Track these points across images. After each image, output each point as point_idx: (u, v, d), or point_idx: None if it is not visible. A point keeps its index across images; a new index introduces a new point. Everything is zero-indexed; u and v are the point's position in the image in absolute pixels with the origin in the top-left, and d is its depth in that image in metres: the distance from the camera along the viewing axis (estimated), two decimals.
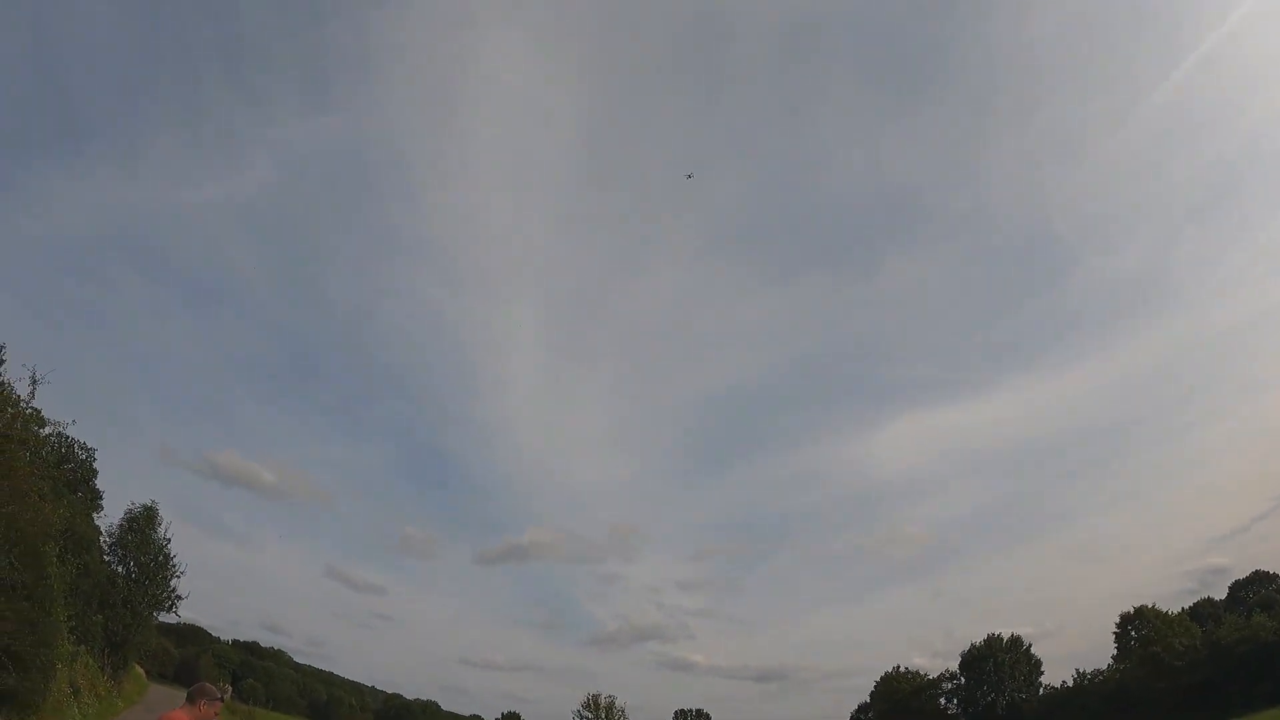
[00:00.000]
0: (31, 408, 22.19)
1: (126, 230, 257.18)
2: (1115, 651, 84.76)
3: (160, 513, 53.80)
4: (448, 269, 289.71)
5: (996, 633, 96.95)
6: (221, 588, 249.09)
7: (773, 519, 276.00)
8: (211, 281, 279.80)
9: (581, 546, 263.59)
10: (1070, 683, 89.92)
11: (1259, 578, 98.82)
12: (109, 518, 52.14)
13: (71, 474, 46.42)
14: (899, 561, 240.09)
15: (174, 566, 53.58)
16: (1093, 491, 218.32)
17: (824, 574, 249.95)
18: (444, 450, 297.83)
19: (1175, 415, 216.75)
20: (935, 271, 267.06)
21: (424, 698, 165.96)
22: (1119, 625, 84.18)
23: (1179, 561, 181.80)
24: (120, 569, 50.80)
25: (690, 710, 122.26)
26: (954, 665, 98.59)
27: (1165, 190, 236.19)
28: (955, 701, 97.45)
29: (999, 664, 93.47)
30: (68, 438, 46.59)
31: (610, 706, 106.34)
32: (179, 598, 54.47)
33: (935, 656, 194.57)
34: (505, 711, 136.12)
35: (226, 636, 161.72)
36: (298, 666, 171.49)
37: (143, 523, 52.46)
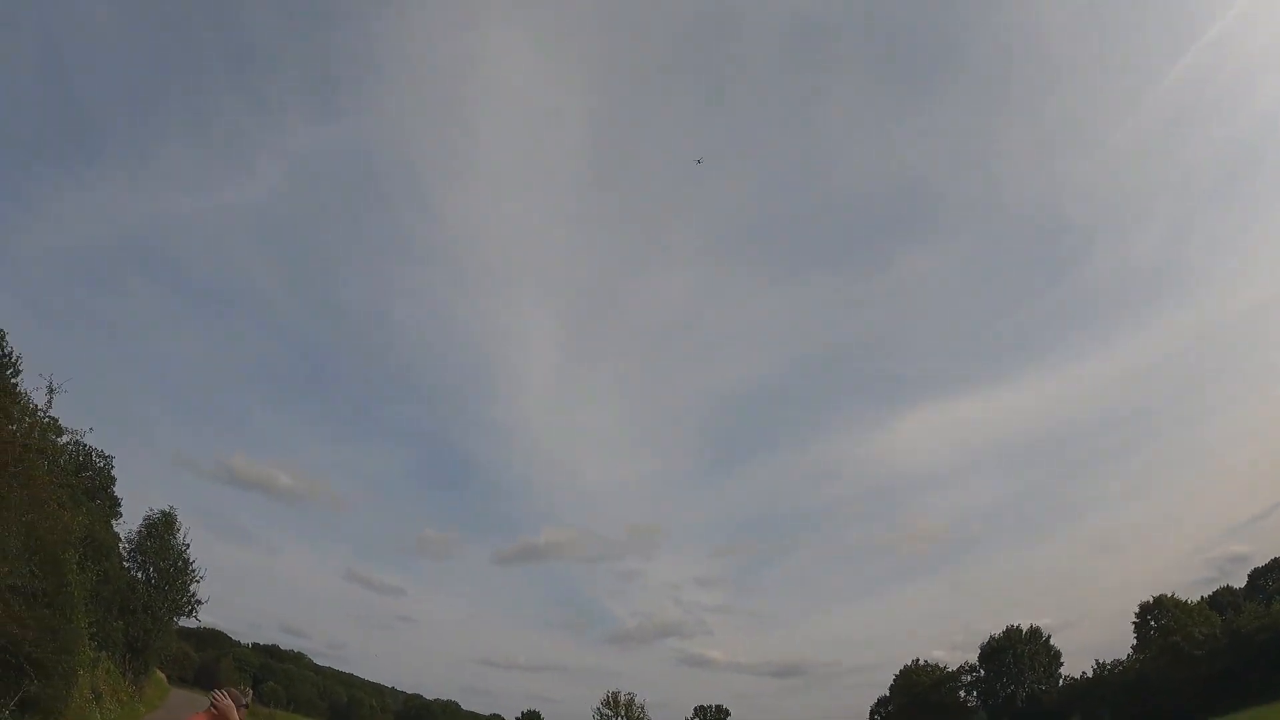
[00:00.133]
0: (49, 417, 22.37)
1: (138, 238, 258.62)
2: (1135, 641, 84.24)
3: (178, 518, 54.28)
4: (458, 270, 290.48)
5: (1015, 624, 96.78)
6: (241, 591, 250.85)
7: (790, 514, 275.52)
8: (224, 287, 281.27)
9: (599, 545, 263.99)
10: (1090, 673, 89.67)
11: (1279, 565, 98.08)
12: (128, 524, 52.68)
13: (90, 481, 46.81)
14: (917, 555, 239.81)
15: (193, 571, 54.03)
16: (1110, 481, 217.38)
17: (842, 568, 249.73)
18: (459, 451, 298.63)
19: (1193, 402, 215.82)
20: (949, 263, 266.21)
21: (444, 698, 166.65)
22: (1138, 615, 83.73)
23: (1198, 550, 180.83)
24: (140, 575, 51.24)
25: (710, 706, 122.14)
26: (973, 658, 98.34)
27: (1179, 175, 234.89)
28: (975, 694, 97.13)
29: (1018, 656, 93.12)
30: (85, 446, 47.08)
31: (630, 704, 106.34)
32: (198, 602, 54.97)
33: (954, 649, 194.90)
34: (525, 710, 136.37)
35: (247, 640, 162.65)
36: (318, 669, 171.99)
37: (161, 528, 52.86)
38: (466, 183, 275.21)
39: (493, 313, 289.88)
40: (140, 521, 53.28)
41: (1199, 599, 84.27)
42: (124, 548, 50.56)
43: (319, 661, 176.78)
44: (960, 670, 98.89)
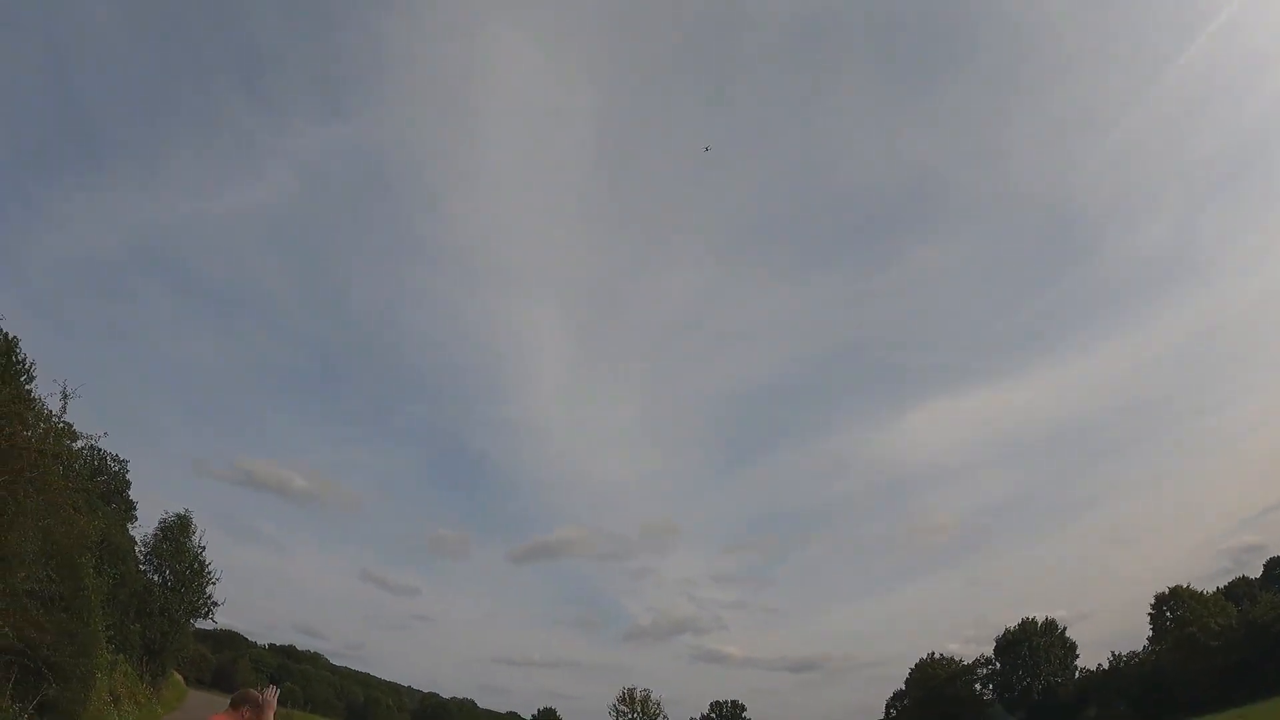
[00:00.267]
0: (63, 422, 22.55)
1: (149, 243, 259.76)
2: (1151, 633, 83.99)
3: (194, 521, 54.59)
4: (468, 270, 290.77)
5: (1031, 617, 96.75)
6: (257, 593, 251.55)
7: (803, 510, 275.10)
8: (235, 291, 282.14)
9: (612, 542, 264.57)
10: (1106, 665, 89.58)
11: None
12: (143, 528, 53.02)
13: (105, 486, 47.27)
14: (931, 548, 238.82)
15: (209, 573, 54.28)
16: (1123, 472, 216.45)
17: (856, 563, 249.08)
18: (472, 451, 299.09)
19: (1205, 392, 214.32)
20: (957, 256, 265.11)
21: (460, 696, 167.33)
22: (1154, 606, 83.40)
23: (1213, 540, 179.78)
24: (156, 577, 51.55)
25: (726, 702, 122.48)
26: (989, 651, 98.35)
27: (1188, 164, 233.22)
28: (991, 687, 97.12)
29: (1034, 648, 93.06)
30: (100, 450, 47.52)
31: (646, 700, 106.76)
32: (215, 604, 55.20)
33: (969, 642, 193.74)
34: (541, 708, 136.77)
35: (263, 641, 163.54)
36: (334, 669, 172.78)
37: (177, 531, 53.17)
38: (474, 183, 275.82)
39: (502, 312, 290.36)
40: (156, 525, 53.69)
41: (1215, 590, 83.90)
42: (140, 551, 50.88)
43: (335, 661, 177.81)
44: (976, 663, 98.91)
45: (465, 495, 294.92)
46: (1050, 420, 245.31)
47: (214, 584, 54.66)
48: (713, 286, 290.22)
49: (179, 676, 72.25)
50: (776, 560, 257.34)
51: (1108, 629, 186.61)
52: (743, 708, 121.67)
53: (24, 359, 27.10)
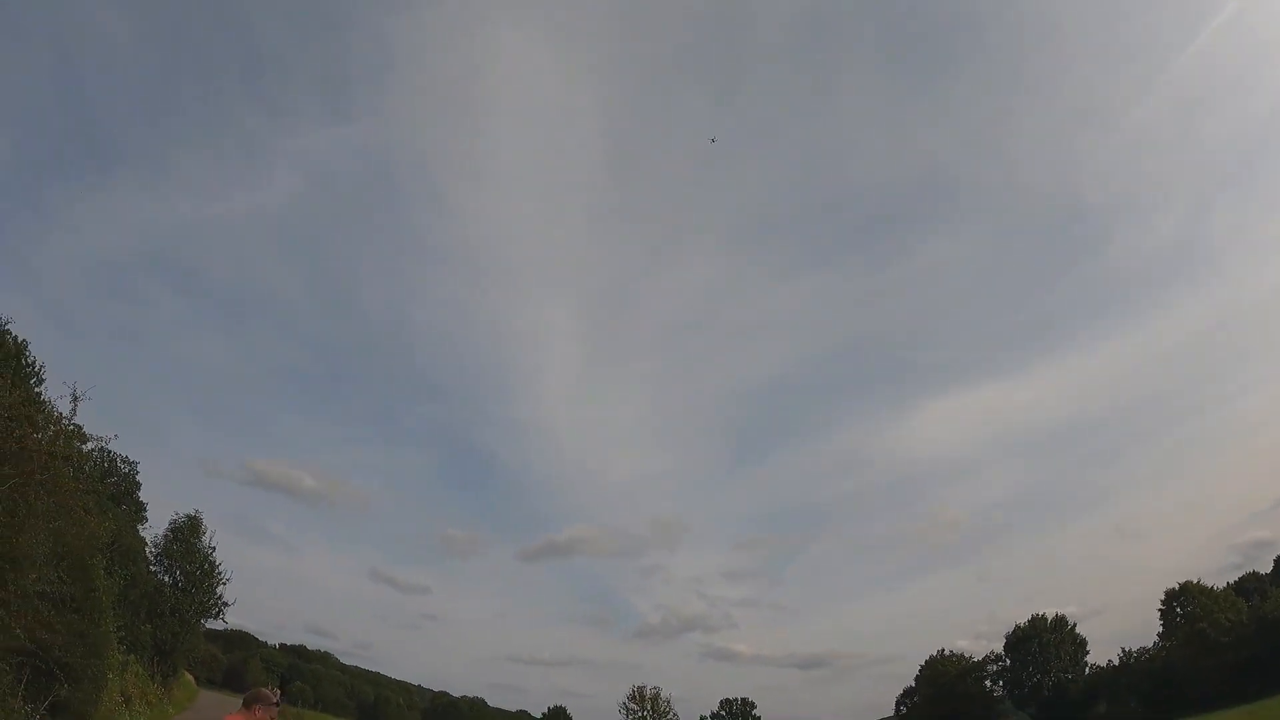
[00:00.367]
0: (74, 424, 22.70)
1: (157, 246, 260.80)
2: (1161, 629, 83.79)
3: (204, 521, 54.76)
4: (476, 270, 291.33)
5: (1041, 613, 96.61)
6: (267, 593, 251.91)
7: (813, 506, 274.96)
8: (243, 293, 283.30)
9: (622, 540, 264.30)
10: (1116, 662, 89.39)
11: None
12: (154, 529, 53.17)
13: (115, 487, 47.37)
14: (940, 545, 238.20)
15: (219, 574, 54.40)
16: (1133, 467, 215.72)
17: (866, 559, 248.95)
18: (482, 450, 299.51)
19: (1214, 386, 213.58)
20: (966, 250, 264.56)
21: (471, 695, 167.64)
22: (1164, 602, 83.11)
23: (1223, 535, 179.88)
24: (166, 578, 51.72)
25: (735, 699, 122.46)
26: (999, 647, 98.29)
27: (1197, 156, 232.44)
28: (1001, 683, 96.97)
29: (1044, 645, 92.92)
30: (110, 452, 47.59)
31: (656, 698, 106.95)
32: (225, 604, 55.31)
33: (979, 639, 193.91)
34: (551, 706, 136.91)
35: (274, 641, 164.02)
36: (345, 668, 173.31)
37: (187, 532, 53.32)
38: (482, 182, 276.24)
39: (511, 311, 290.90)
40: (166, 526, 53.84)
41: (1225, 585, 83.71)
42: (150, 552, 51.08)
43: (346, 661, 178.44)
44: (986, 660, 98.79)
45: (475, 494, 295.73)
46: (1060, 415, 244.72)
47: (224, 584, 54.83)
48: (720, 284, 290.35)
49: (190, 676, 72.42)
50: (786, 557, 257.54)
51: (1118, 625, 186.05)
52: (752, 705, 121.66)
53: (33, 361, 27.33)
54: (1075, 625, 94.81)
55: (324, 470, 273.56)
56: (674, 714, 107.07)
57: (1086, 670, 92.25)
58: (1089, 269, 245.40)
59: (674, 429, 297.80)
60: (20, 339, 26.83)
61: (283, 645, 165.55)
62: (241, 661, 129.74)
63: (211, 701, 62.43)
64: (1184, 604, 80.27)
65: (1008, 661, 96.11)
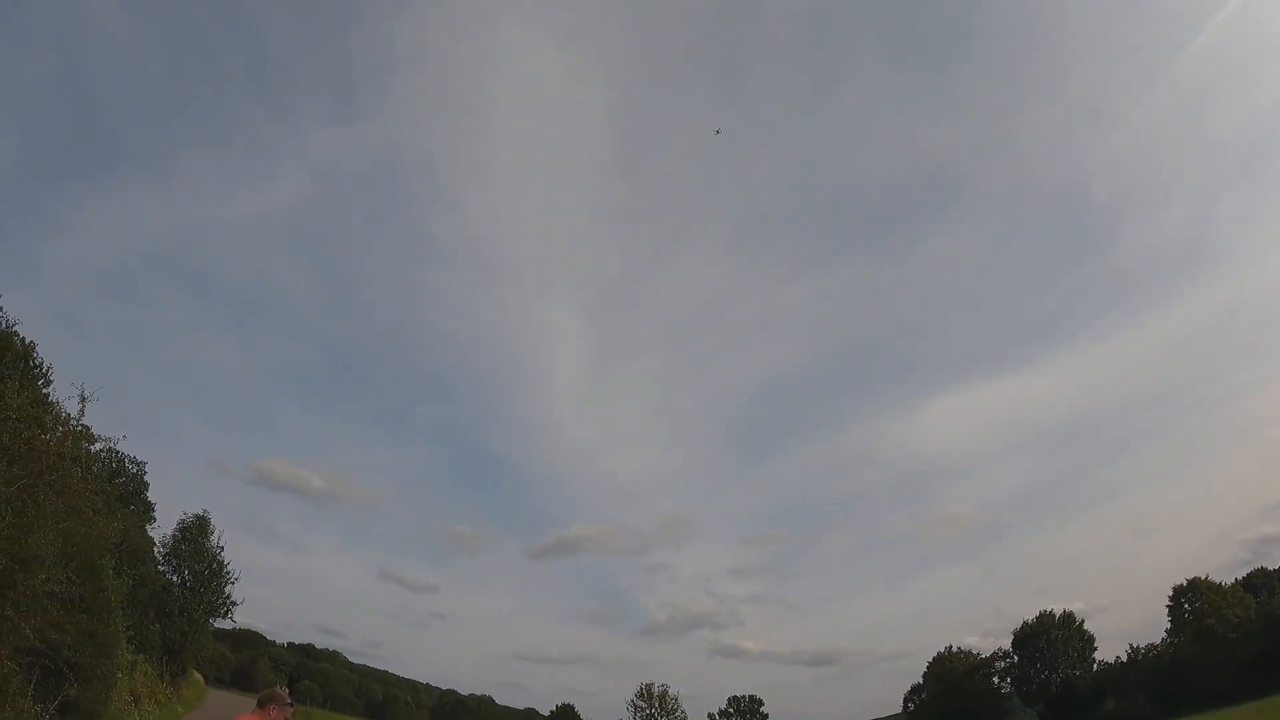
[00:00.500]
0: (82, 425, 22.79)
1: (164, 248, 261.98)
2: (1169, 625, 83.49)
3: (212, 521, 54.97)
4: (483, 268, 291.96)
5: (1048, 609, 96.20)
6: (276, 592, 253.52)
7: (820, 503, 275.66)
8: (250, 293, 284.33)
9: (630, 538, 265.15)
10: (1124, 658, 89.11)
11: None
12: (162, 529, 53.39)
13: (124, 488, 47.55)
14: (948, 541, 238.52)
15: (228, 573, 54.66)
16: (1141, 462, 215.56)
17: (873, 556, 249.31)
18: (489, 449, 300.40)
19: (1222, 381, 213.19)
20: (973, 246, 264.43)
21: (479, 693, 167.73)
22: (1172, 598, 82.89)
23: (1231, 531, 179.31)
24: (175, 578, 51.95)
25: (744, 697, 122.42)
26: (1006, 644, 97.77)
27: (1204, 150, 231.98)
28: (1008, 680, 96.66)
29: (1052, 641, 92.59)
30: (118, 453, 47.79)
31: (664, 696, 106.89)
32: (234, 603, 55.58)
33: (987, 635, 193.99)
34: (559, 704, 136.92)
35: (282, 640, 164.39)
36: (353, 667, 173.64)
37: (195, 532, 53.56)
38: (488, 180, 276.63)
39: (518, 309, 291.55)
40: (174, 525, 54.09)
41: (1233, 581, 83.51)
42: (159, 552, 51.27)
43: (354, 660, 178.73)
44: (993, 656, 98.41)
45: (483, 493, 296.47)
46: (1067, 411, 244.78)
47: (233, 584, 55.09)
48: (727, 281, 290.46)
49: (199, 676, 72.75)
50: (793, 554, 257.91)
51: (1126, 621, 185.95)
52: (760, 702, 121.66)
53: (41, 363, 27.44)
54: (1083, 622, 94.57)
55: (332, 469, 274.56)
56: (682, 711, 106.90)
57: (1094, 667, 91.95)
58: (1095, 265, 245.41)
59: (680, 426, 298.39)
60: (28, 340, 26.93)
61: (291, 644, 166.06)
62: (250, 661, 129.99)
63: (220, 700, 62.66)
64: (1192, 600, 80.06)
65: (1015, 658, 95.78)
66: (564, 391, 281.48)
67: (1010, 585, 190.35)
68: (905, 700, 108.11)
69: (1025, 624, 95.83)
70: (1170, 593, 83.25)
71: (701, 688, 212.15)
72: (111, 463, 45.91)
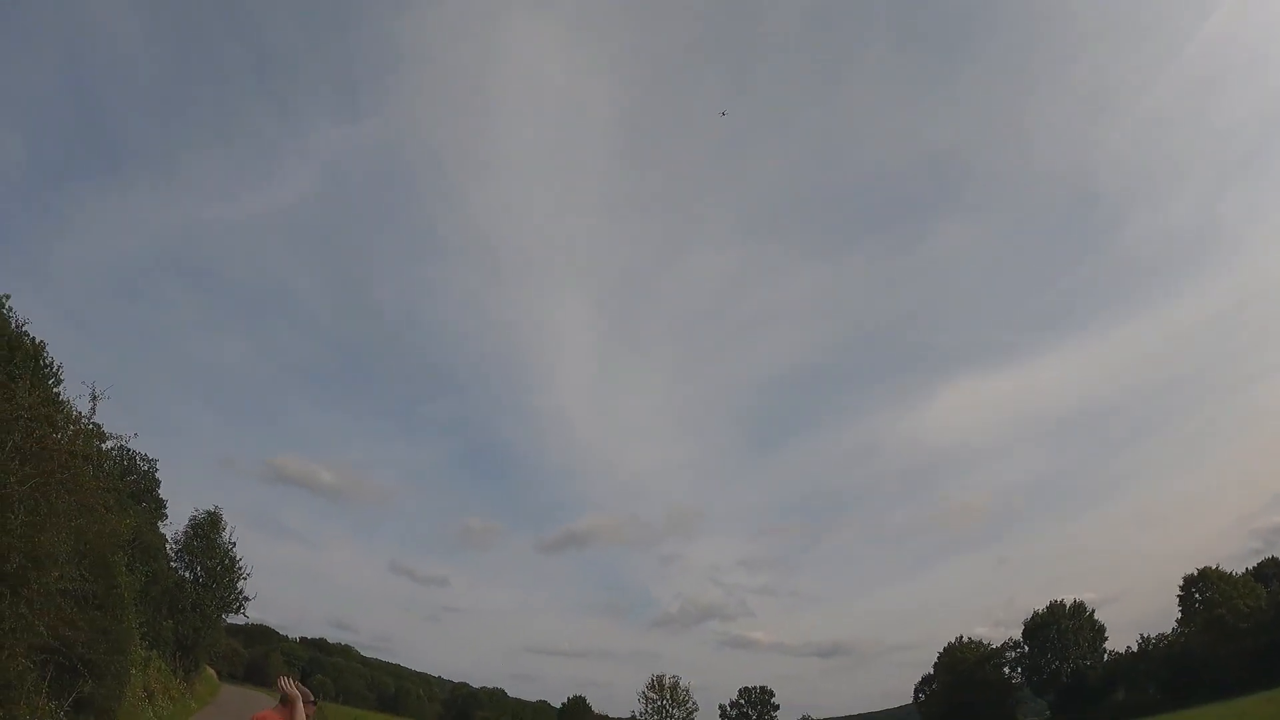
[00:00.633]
0: (93, 423, 23.01)
1: (172, 247, 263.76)
2: (1179, 615, 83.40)
3: (224, 517, 55.25)
4: (491, 263, 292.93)
5: (1059, 599, 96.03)
6: (288, 587, 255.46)
7: (830, 494, 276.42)
8: (259, 290, 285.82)
9: (640, 530, 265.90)
10: (1135, 648, 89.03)
11: None
12: (174, 525, 53.67)
13: (135, 485, 47.80)
14: (958, 531, 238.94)
15: (240, 569, 54.95)
16: (1152, 452, 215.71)
17: (884, 547, 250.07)
18: (500, 442, 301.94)
19: (1232, 370, 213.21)
20: (982, 235, 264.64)
21: (490, 686, 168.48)
22: (1182, 588, 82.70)
23: (1242, 521, 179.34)
24: (187, 574, 52.23)
25: (754, 688, 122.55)
26: (1017, 634, 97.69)
27: (1211, 139, 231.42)
28: (1019, 670, 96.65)
29: (1062, 631, 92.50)
30: (129, 450, 48.01)
31: (675, 687, 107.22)
32: (246, 599, 55.89)
33: (998, 625, 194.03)
34: (571, 696, 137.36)
35: (294, 634, 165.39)
36: (365, 660, 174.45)
37: (207, 528, 53.82)
38: (495, 175, 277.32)
39: (527, 303, 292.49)
40: (186, 522, 54.36)
41: (1244, 571, 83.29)
42: (171, 548, 51.54)
43: (366, 653, 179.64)
44: (1004, 647, 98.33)
45: (493, 486, 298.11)
46: (1077, 400, 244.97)
47: (245, 579, 55.38)
48: (736, 272, 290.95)
49: (212, 671, 73.21)
50: (804, 545, 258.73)
51: (1137, 611, 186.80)
52: (771, 693, 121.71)
53: (51, 362, 27.59)
54: (1094, 612, 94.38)
55: (342, 465, 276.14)
56: (693, 702, 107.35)
57: (1105, 657, 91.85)
58: (1104, 254, 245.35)
59: (690, 418, 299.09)
60: (38, 340, 27.10)
61: (304, 639, 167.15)
62: (263, 655, 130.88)
63: (233, 695, 63.09)
64: (1203, 590, 79.89)
65: (1026, 648, 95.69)
66: (573, 384, 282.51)
67: (1021, 575, 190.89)
68: (916, 691, 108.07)
69: (1036, 614, 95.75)
70: (1181, 582, 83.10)
71: (712, 679, 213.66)
72: (123, 460, 46.13)
